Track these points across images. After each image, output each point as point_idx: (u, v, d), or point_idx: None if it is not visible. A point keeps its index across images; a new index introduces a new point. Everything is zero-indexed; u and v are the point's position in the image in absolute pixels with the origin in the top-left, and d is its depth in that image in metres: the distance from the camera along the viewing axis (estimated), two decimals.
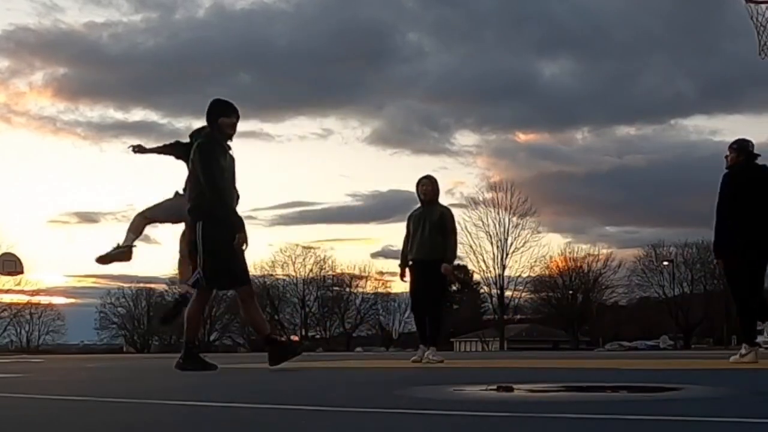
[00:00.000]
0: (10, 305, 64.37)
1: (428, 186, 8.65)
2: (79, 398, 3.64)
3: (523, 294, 67.39)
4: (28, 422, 2.60)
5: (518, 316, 72.77)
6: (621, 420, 2.33)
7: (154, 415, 2.70)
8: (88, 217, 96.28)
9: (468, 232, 62.12)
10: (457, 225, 8.88)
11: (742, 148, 7.37)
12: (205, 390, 4.20)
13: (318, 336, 73.86)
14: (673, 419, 2.35)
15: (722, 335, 64.55)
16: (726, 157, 7.48)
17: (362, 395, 3.55)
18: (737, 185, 7.25)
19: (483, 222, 62.29)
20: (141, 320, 73.10)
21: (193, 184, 6.39)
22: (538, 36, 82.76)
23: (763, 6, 11.18)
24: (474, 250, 62.53)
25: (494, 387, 3.86)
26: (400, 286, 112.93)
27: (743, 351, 7.27)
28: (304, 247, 72.75)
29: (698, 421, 2.32)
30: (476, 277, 68.08)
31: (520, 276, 64.31)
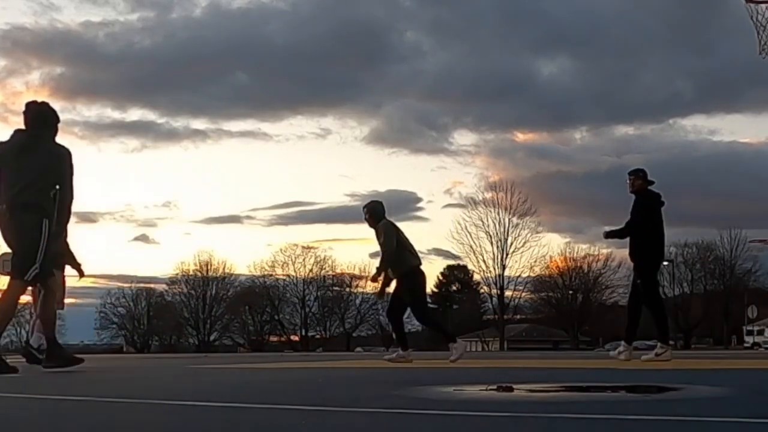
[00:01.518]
0: None
1: (365, 215, 9.21)
2: (79, 398, 3.64)
3: (523, 294, 67.37)
4: (28, 422, 2.60)
5: (518, 316, 72.74)
6: (621, 420, 2.33)
7: (154, 415, 2.70)
8: (86, 217, 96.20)
9: (468, 232, 62.15)
10: (388, 237, 8.87)
11: (645, 176, 8.50)
12: (205, 390, 4.20)
13: (318, 336, 73.81)
14: (673, 419, 2.35)
15: (722, 335, 64.56)
16: (628, 182, 8.53)
17: (362, 395, 3.55)
18: (647, 207, 8.39)
19: (483, 222, 62.28)
20: (141, 320, 73.08)
21: (33, 181, 6.47)
22: (536, 35, 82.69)
23: (763, 6, 11.20)
24: (474, 250, 62.54)
25: (494, 387, 3.86)
26: None
27: (659, 350, 8.25)
28: (304, 247, 72.73)
29: (698, 421, 2.32)
30: (476, 277, 68.15)
31: (520, 276, 64.31)
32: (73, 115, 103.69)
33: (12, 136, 6.77)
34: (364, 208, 9.28)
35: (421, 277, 8.97)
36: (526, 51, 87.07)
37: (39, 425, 2.49)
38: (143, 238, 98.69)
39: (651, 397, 3.26)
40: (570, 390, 3.78)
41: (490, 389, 3.76)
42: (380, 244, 8.91)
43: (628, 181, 8.53)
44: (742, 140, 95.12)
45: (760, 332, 58.52)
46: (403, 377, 5.32)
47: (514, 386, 3.91)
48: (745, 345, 55.55)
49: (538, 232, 63.88)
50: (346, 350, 59.22)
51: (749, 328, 60.10)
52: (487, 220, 62.37)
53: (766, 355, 16.37)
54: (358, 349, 61.81)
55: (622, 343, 8.58)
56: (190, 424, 2.43)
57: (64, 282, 10.19)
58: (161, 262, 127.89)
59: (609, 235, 8.80)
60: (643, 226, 8.32)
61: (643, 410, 2.61)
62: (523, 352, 28.42)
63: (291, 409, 2.84)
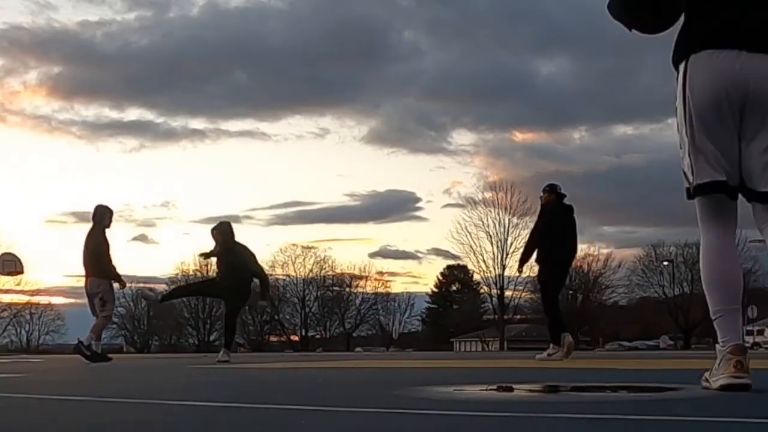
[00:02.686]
0: (10, 305, 64.38)
1: (214, 236, 11.14)
2: (79, 398, 3.64)
3: (523, 294, 67.30)
4: (28, 422, 2.60)
5: (518, 316, 72.71)
6: (621, 420, 2.33)
7: (154, 415, 2.70)
8: (85, 217, 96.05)
9: (468, 232, 62.19)
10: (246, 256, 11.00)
11: (552, 189, 9.57)
12: (205, 390, 4.20)
13: (318, 336, 73.80)
14: (673, 419, 2.35)
15: None
16: (540, 197, 9.70)
17: (362, 395, 3.55)
18: (552, 218, 9.41)
19: (483, 222, 62.32)
20: (141, 320, 73.09)
21: None
22: (535, 34, 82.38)
23: None
24: (474, 250, 62.55)
25: (494, 387, 3.86)
26: (400, 287, 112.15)
27: (551, 350, 9.09)
28: (304, 247, 72.73)
29: (698, 421, 2.32)
30: (476, 277, 68.16)
31: (520, 276, 64.28)
32: (71, 115, 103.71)
33: None
34: (213, 230, 11.11)
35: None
36: (524, 50, 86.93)
37: (39, 425, 2.49)
38: (142, 238, 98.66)
39: (651, 397, 3.26)
40: (570, 390, 3.78)
41: (490, 389, 3.76)
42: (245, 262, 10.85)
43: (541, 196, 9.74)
44: None
45: (760, 332, 58.50)
46: (403, 377, 5.32)
47: (514, 386, 3.92)
48: (746, 345, 55.48)
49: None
50: (346, 350, 59.23)
51: (749, 328, 60.05)
52: (487, 220, 62.43)
53: (766, 355, 16.36)
54: (358, 349, 61.79)
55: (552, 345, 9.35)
56: (190, 424, 2.43)
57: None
58: (161, 261, 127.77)
59: (522, 264, 10.04)
60: (541, 237, 9.43)
61: (643, 410, 2.61)
62: (523, 352, 28.42)
63: (291, 409, 2.84)
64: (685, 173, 3.35)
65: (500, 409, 2.65)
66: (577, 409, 2.65)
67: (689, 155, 3.28)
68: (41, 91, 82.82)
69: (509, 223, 62.26)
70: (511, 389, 3.73)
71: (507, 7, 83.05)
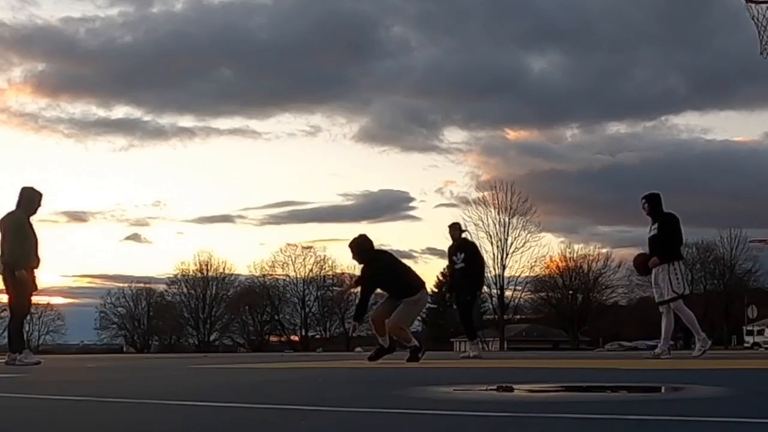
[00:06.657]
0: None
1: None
2: (79, 398, 3.64)
3: (523, 294, 67.29)
4: (28, 422, 2.60)
5: (518, 316, 72.70)
6: (621, 420, 2.33)
7: (154, 415, 2.70)
8: (77, 216, 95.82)
9: (467, 231, 62.25)
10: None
11: (460, 227, 12.34)
12: (205, 390, 4.20)
13: (318, 336, 73.77)
14: (673, 419, 2.35)
15: (722, 335, 64.53)
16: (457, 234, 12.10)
17: (362, 395, 3.55)
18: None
19: (483, 222, 62.31)
20: (141, 320, 73.03)
21: None
22: (526, 29, 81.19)
23: (764, 6, 11.18)
24: None
25: (494, 387, 3.87)
26: None
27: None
28: (304, 247, 72.70)
29: (698, 421, 2.32)
30: None
31: (520, 276, 64.25)
32: (57, 113, 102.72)
33: None
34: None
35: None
36: (515, 46, 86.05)
37: (39, 425, 2.49)
38: (135, 237, 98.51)
39: (651, 397, 3.26)
40: (570, 390, 3.78)
41: (490, 389, 3.76)
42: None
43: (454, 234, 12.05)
44: (736, 139, 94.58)
45: (760, 332, 58.46)
46: (403, 377, 5.31)
47: (514, 386, 3.92)
48: (745, 345, 55.51)
49: (530, 231, 63.36)
50: (346, 350, 59.21)
51: (749, 328, 60.07)
52: (487, 220, 62.42)
53: (766, 355, 16.37)
54: (358, 349, 61.68)
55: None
56: (190, 424, 2.43)
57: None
58: (154, 261, 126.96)
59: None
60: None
61: (643, 410, 2.61)
62: (523, 352, 28.42)
63: (291, 409, 2.84)
64: None
65: (500, 409, 2.65)
66: (577, 409, 2.65)
67: None
68: (26, 89, 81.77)
69: (509, 223, 62.26)
70: (511, 389, 3.73)
71: (497, 2, 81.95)
